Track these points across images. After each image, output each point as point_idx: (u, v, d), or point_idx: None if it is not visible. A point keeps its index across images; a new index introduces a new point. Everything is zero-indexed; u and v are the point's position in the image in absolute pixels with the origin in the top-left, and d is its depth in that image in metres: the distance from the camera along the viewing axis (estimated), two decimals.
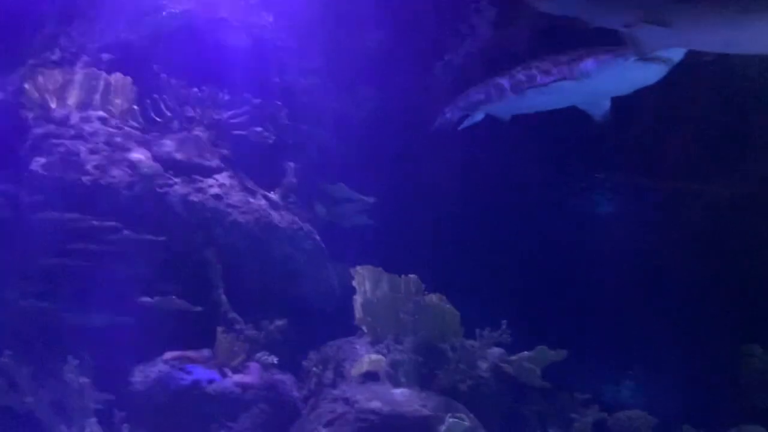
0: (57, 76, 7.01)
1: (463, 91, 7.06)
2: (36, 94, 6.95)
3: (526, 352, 6.75)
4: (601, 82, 5.97)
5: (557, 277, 7.76)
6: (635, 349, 7.48)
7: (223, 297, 6.90)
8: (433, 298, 6.80)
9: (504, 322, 6.71)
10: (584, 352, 6.83)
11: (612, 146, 7.63)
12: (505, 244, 7.95)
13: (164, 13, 7.43)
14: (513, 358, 6.82)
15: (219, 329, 6.66)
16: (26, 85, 6.98)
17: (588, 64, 5.90)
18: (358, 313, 6.96)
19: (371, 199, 8.01)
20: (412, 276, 6.81)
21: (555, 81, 6.07)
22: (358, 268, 6.94)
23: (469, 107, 7.00)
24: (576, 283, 7.67)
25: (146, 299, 6.53)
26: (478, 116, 6.97)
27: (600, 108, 6.41)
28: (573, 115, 6.67)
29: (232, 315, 6.91)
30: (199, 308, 6.69)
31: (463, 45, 7.70)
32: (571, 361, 6.68)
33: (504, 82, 6.49)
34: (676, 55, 5.47)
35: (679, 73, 5.81)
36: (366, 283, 6.90)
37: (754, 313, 7.45)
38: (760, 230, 7.66)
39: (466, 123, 7.04)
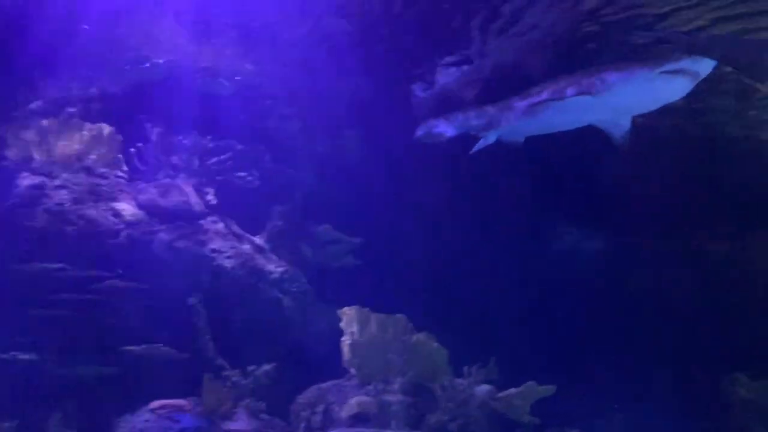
0: (40, 126, 7.09)
1: (458, 110, 6.74)
2: (19, 146, 7.02)
3: (514, 389, 6.72)
4: (624, 97, 5.48)
5: (545, 313, 7.79)
6: (624, 382, 7.47)
7: (210, 343, 6.86)
8: (422, 337, 6.79)
9: (492, 359, 6.70)
10: (573, 386, 6.81)
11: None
12: (492, 281, 7.99)
13: (147, 64, 7.55)
14: (502, 394, 6.78)
15: (206, 376, 6.59)
16: (9, 137, 7.05)
17: (610, 76, 5.41)
18: (346, 355, 6.92)
19: (358, 240, 8.04)
20: (399, 316, 6.81)
21: (574, 96, 5.56)
22: (346, 309, 6.92)
23: (474, 128, 6.57)
24: (564, 319, 7.70)
25: (132, 348, 6.48)
26: (491, 138, 6.42)
27: (620, 127, 5.95)
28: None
29: (219, 361, 6.86)
30: (185, 355, 6.65)
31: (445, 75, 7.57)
32: (561, 395, 6.65)
33: (517, 101, 6.07)
34: (704, 68, 5.16)
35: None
36: (354, 324, 6.89)
37: (740, 343, 7.50)
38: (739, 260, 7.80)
39: (478, 146, 6.47)
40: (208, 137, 7.66)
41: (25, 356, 6.35)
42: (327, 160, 8.27)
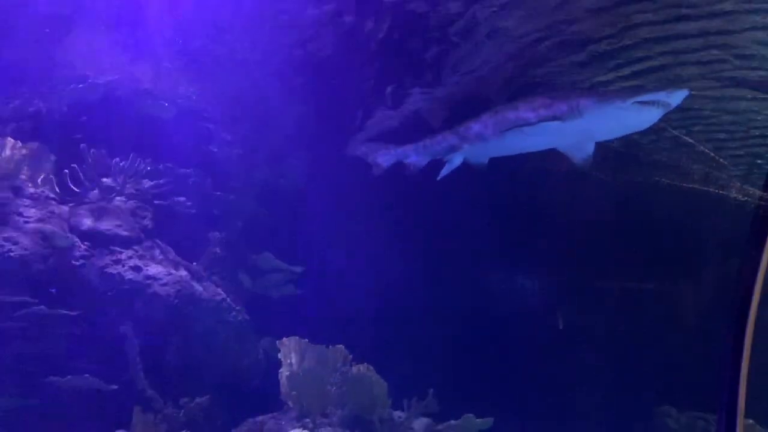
0: None
1: (425, 137, 6.75)
2: None
3: (453, 421, 6.70)
4: (594, 123, 5.59)
5: (483, 346, 7.86)
6: (558, 415, 7.58)
7: (141, 374, 6.60)
8: (361, 368, 6.71)
9: (431, 391, 6.68)
10: (509, 418, 6.85)
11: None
12: (432, 313, 8.02)
13: (87, 83, 7.34)
14: (440, 427, 6.75)
15: (136, 408, 6.33)
16: None
17: (583, 102, 5.51)
18: (284, 387, 6.77)
19: (299, 269, 7.94)
20: (339, 347, 6.72)
21: (544, 120, 5.65)
22: (284, 339, 6.80)
23: (439, 152, 6.62)
24: (501, 352, 7.79)
25: (56, 379, 6.17)
26: (456, 161, 6.53)
27: (583, 151, 5.97)
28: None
29: (150, 392, 6.60)
30: (114, 386, 6.37)
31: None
32: (498, 428, 6.67)
33: (482, 123, 6.15)
34: (675, 99, 5.30)
35: None
36: (292, 355, 6.76)
37: (670, 377, 7.73)
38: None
39: (445, 171, 6.59)
40: (147, 160, 7.45)
41: None
42: (268, 186, 8.17)
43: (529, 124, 5.74)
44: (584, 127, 5.66)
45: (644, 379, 7.76)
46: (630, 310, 8.16)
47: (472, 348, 7.77)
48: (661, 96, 5.31)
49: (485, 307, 8.08)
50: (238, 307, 7.30)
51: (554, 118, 5.62)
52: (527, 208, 7.62)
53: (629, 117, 5.45)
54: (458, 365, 7.66)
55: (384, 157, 7.12)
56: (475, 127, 6.26)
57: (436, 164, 6.86)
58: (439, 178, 6.65)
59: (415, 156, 6.87)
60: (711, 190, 5.96)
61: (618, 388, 7.72)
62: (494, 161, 6.56)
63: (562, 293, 8.35)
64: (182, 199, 7.49)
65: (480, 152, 6.44)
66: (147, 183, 7.41)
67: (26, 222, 6.68)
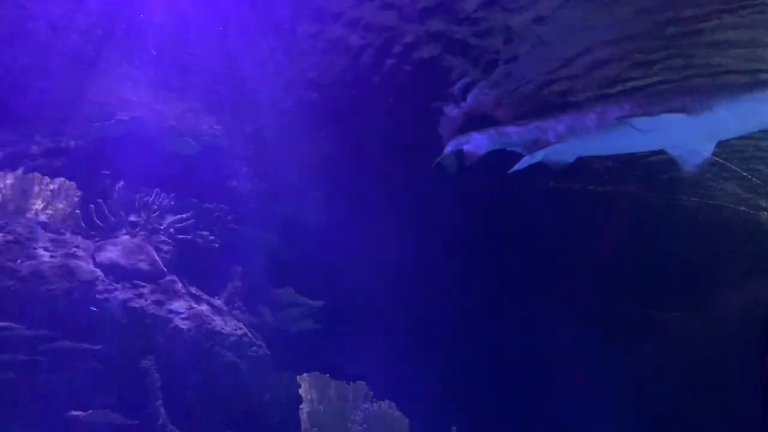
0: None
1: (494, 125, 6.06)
2: None
3: None
4: (725, 119, 4.85)
5: (508, 385, 7.73)
6: None
7: (162, 409, 6.55)
8: (382, 405, 6.63)
9: (453, 428, 6.57)
10: None
11: None
12: (455, 352, 7.93)
13: (113, 120, 7.48)
14: None
15: None
16: None
17: (712, 95, 4.81)
18: (304, 423, 6.69)
19: (319, 303, 7.91)
20: (360, 383, 6.65)
21: (669, 111, 4.87)
22: (305, 375, 6.75)
23: (516, 144, 5.86)
24: (525, 392, 7.66)
25: (78, 413, 6.15)
26: (538, 156, 5.70)
27: (697, 155, 5.24)
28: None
29: (171, 428, 6.54)
30: (135, 422, 6.33)
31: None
32: None
33: (577, 116, 5.38)
34: None
35: None
36: (313, 391, 6.70)
37: None
38: None
39: (521, 165, 5.75)
40: (171, 195, 7.53)
41: None
42: (292, 222, 8.20)
43: (650, 115, 4.91)
44: (710, 124, 4.89)
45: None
46: None
47: (498, 386, 7.63)
48: None
49: (511, 349, 7.93)
50: (258, 342, 7.27)
51: (680, 111, 4.82)
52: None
53: (762, 113, 4.73)
54: (483, 403, 7.52)
55: (450, 146, 6.39)
56: (567, 119, 5.49)
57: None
58: (511, 171, 5.80)
59: (482, 143, 6.07)
60: None
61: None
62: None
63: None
64: (205, 233, 7.54)
65: (568, 149, 5.62)
66: (170, 218, 7.48)
67: (52, 256, 6.75)
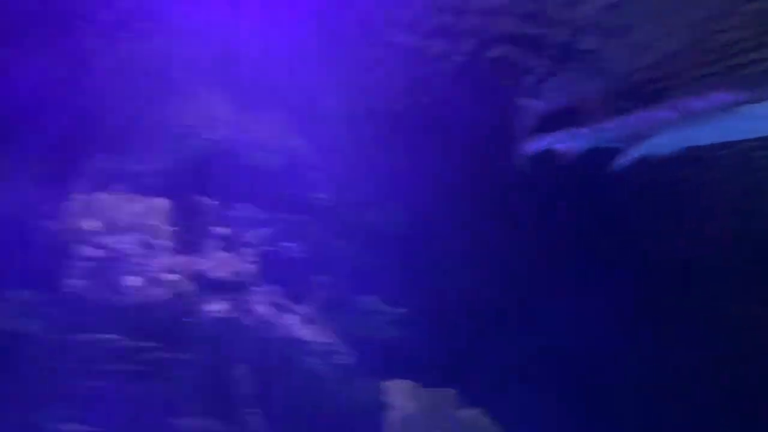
0: (97, 199, 7.33)
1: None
2: (76, 217, 7.25)
3: None
4: None
5: (602, 399, 7.41)
6: None
7: (252, 417, 6.72)
8: (473, 413, 6.53)
9: None
10: None
11: None
12: (546, 355, 7.68)
13: (202, 138, 7.80)
14: None
15: None
16: (67, 209, 7.29)
17: None
18: (393, 430, 6.68)
19: (403, 310, 7.89)
20: (449, 390, 6.58)
21: None
22: (392, 382, 6.74)
23: (611, 140, 5.52)
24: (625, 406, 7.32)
25: (173, 420, 6.41)
26: (637, 151, 5.29)
27: None
28: None
29: None
30: (228, 429, 6.53)
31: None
32: None
33: (688, 103, 4.88)
34: None
35: None
36: (400, 398, 6.68)
37: None
38: None
39: (624, 161, 5.37)
40: (258, 209, 7.76)
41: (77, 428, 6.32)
42: (375, 231, 8.24)
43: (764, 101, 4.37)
44: None
45: None
46: None
47: (588, 398, 7.33)
48: None
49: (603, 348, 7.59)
50: (344, 350, 7.34)
51: None
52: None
53: None
54: (578, 413, 7.23)
55: (536, 144, 6.07)
56: (667, 109, 5.06)
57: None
58: (615, 169, 5.40)
59: (576, 141, 5.76)
60: None
61: None
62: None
63: None
64: (291, 244, 7.72)
65: (673, 140, 5.16)
66: (258, 230, 7.70)
67: (149, 271, 7.12)
